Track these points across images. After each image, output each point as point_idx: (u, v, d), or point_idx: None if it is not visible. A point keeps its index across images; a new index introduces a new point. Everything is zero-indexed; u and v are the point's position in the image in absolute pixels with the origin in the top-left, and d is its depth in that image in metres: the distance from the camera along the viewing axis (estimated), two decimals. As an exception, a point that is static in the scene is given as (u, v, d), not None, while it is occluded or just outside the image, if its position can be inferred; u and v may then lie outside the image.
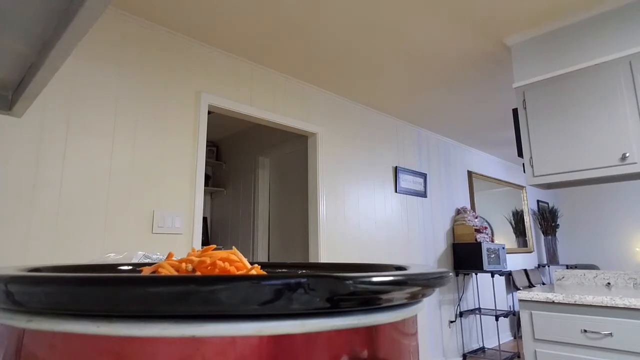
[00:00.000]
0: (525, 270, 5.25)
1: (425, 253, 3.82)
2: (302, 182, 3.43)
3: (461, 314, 4.08)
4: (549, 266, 5.94)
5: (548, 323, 1.85)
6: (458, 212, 4.36)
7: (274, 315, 0.21)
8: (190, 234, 2.21)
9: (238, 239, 3.96)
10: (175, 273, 0.32)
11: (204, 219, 4.34)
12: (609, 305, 1.70)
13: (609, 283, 2.20)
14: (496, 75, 2.91)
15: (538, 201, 6.23)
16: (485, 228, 4.19)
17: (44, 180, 1.75)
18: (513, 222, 5.40)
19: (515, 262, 5.26)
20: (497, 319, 3.93)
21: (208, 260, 0.32)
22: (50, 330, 0.21)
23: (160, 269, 0.32)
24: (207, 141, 2.41)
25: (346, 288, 0.21)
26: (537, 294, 1.90)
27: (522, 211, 5.64)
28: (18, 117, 0.83)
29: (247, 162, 4.03)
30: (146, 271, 0.33)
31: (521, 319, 1.95)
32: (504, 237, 5.15)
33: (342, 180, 3.14)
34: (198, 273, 0.31)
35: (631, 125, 1.91)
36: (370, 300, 0.23)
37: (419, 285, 0.26)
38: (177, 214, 2.16)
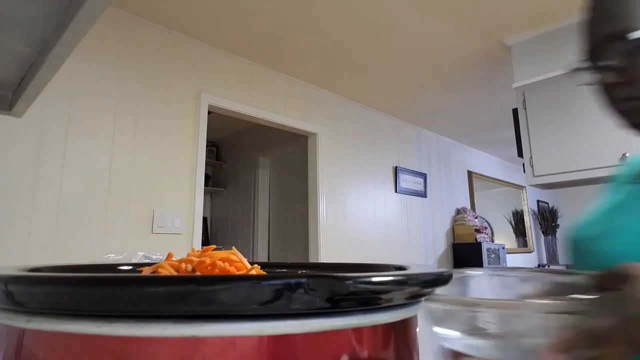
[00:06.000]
0: (525, 270, 5.25)
1: (425, 253, 3.82)
2: (302, 182, 3.43)
3: (461, 314, 4.08)
4: (549, 266, 5.94)
5: (548, 323, 1.85)
6: (458, 212, 4.36)
7: (274, 315, 0.21)
8: (190, 234, 2.21)
9: (238, 239, 3.96)
10: (175, 273, 0.32)
11: (204, 219, 4.34)
12: (609, 305, 1.69)
13: (609, 283, 2.20)
14: (496, 75, 2.90)
15: (538, 201, 6.23)
16: (485, 228, 4.19)
17: (44, 180, 1.75)
18: (513, 222, 5.40)
19: (515, 262, 5.26)
20: (497, 319, 3.92)
21: (208, 261, 0.32)
22: (50, 330, 0.21)
23: (160, 269, 0.32)
24: (207, 141, 2.41)
25: (346, 288, 0.21)
26: (537, 294, 1.89)
27: (522, 211, 5.64)
28: (18, 117, 0.83)
29: (247, 162, 4.03)
30: (146, 271, 0.33)
31: (521, 319, 1.95)
32: (504, 237, 5.14)
33: (342, 180, 3.14)
34: (198, 273, 0.31)
35: (631, 125, 1.91)
36: (370, 300, 0.23)
37: (419, 285, 0.26)
38: (177, 214, 2.16)
